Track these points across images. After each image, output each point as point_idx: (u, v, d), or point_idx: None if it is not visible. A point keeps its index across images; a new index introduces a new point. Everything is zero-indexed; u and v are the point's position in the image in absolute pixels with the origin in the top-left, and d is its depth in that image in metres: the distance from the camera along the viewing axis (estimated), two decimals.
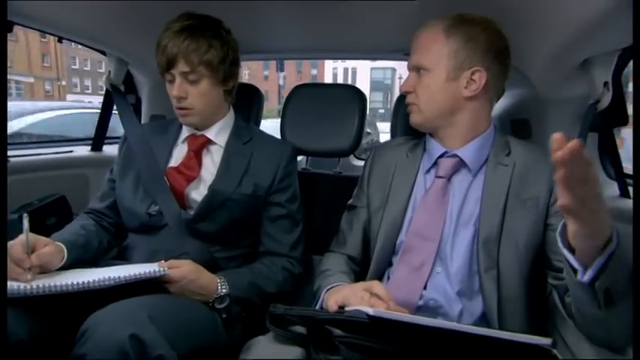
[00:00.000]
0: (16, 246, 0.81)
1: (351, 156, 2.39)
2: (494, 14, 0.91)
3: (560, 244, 0.65)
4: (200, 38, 0.99)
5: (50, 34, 1.32)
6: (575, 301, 0.72)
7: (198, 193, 1.05)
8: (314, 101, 1.36)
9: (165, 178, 1.05)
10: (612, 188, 1.14)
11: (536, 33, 1.02)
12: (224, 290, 0.95)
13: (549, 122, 1.22)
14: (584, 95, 1.08)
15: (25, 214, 0.83)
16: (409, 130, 1.08)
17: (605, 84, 1.01)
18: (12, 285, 0.76)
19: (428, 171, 0.95)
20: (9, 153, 1.38)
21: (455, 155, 0.92)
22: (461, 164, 0.91)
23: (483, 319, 0.84)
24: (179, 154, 1.10)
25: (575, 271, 0.65)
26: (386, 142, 1.13)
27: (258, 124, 1.44)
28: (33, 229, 0.84)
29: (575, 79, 1.08)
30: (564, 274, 0.70)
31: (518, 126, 1.33)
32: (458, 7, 0.92)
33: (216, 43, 1.02)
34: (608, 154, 1.17)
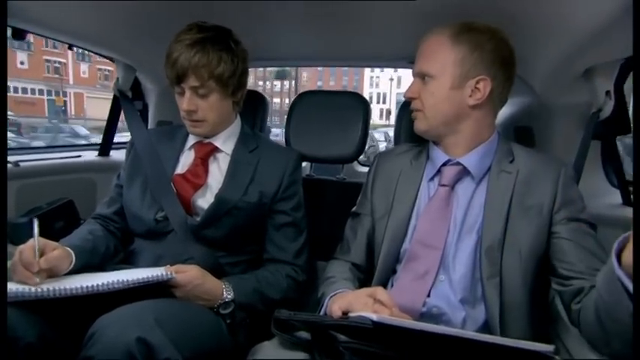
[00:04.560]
0: (26, 250, 0.82)
1: (355, 162, 2.40)
2: (498, 23, 0.92)
3: (616, 268, 0.60)
4: (210, 52, 0.99)
5: (60, 40, 1.35)
6: (611, 322, 0.67)
7: (204, 200, 1.06)
8: (318, 108, 1.37)
9: (171, 184, 1.06)
10: (615, 197, 1.14)
11: (540, 41, 1.03)
12: (229, 296, 0.96)
13: (552, 130, 1.23)
14: (587, 103, 1.09)
15: (35, 219, 0.84)
16: (412, 137, 1.09)
17: (607, 93, 1.02)
18: (21, 288, 0.77)
19: (431, 179, 0.95)
20: (19, 158, 1.40)
21: (458, 163, 0.92)
22: (464, 172, 0.91)
23: (486, 327, 0.84)
24: (186, 160, 1.11)
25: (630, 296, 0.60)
26: (390, 150, 1.13)
27: (262, 130, 1.45)
28: (41, 233, 0.85)
29: (578, 88, 1.09)
30: (604, 294, 0.66)
31: (522, 133, 1.33)
32: (462, 16, 0.92)
33: (227, 57, 1.01)
34: (611, 162, 1.18)
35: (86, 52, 1.51)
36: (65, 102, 29.42)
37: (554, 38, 0.99)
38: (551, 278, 0.84)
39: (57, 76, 30.30)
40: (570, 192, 0.87)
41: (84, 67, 32.04)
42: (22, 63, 28.82)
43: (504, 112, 1.48)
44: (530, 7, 0.96)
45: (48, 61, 30.46)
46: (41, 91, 29.57)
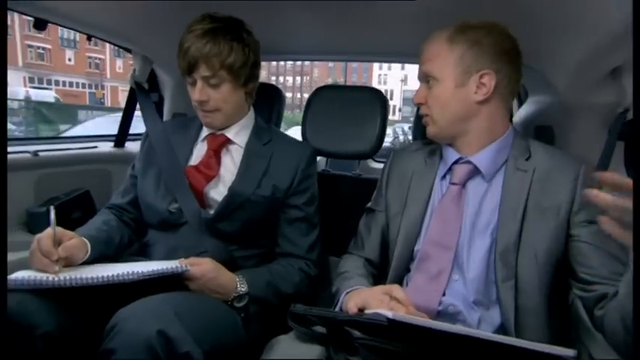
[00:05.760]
0: (44, 238, 0.83)
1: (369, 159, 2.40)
2: (523, 20, 0.90)
3: None
4: (222, 42, 0.99)
5: (79, 31, 1.36)
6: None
7: (217, 192, 1.06)
8: (336, 103, 1.36)
9: (185, 176, 1.06)
10: None
11: (566, 39, 1.01)
12: (243, 289, 0.96)
13: (574, 130, 1.20)
14: (610, 103, 1.06)
15: (52, 207, 0.85)
16: None
17: None
18: (40, 276, 0.78)
19: (444, 177, 0.95)
20: (37, 147, 1.42)
21: (469, 162, 0.91)
22: (475, 171, 0.90)
23: (502, 330, 0.83)
24: (199, 152, 1.11)
25: None
26: (404, 147, 1.12)
27: (278, 124, 1.45)
28: (59, 222, 0.86)
29: (603, 87, 1.06)
30: (627, 303, 0.65)
31: (542, 133, 1.31)
32: (479, 13, 0.90)
33: (238, 47, 1.01)
34: (634, 163, 1.14)
35: (121, 48, 1.54)
36: (103, 95, 33.40)
37: (582, 36, 0.96)
38: (572, 283, 0.83)
39: (97, 71, 34.70)
40: None
41: (119, 62, 36.08)
42: (69, 60, 33.56)
43: (525, 111, 1.46)
44: (556, 3, 0.94)
45: (90, 57, 34.95)
46: (84, 85, 34.31)
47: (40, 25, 1.17)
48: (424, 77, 0.93)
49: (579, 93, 1.13)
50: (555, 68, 1.12)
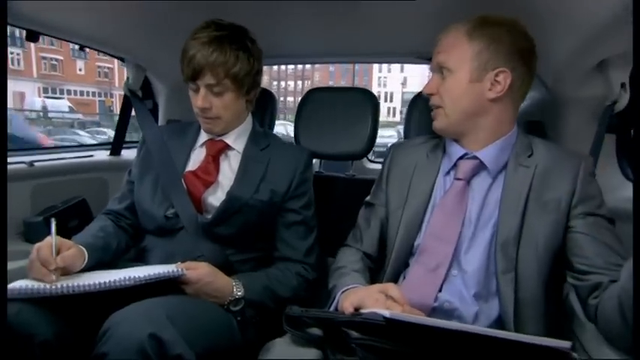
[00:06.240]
0: (43, 248, 0.83)
1: (364, 159, 2.40)
2: (513, 16, 0.91)
3: None
4: (228, 51, 0.99)
5: (72, 42, 1.37)
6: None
7: (215, 197, 1.06)
8: (327, 105, 1.37)
9: (182, 181, 1.07)
10: (630, 190, 1.12)
11: (553, 34, 1.02)
12: (239, 293, 0.96)
13: (564, 123, 1.21)
14: (599, 96, 1.07)
15: (53, 218, 0.86)
16: (421, 133, 1.08)
17: (623, 85, 1.00)
18: (38, 285, 0.79)
19: (448, 173, 0.94)
20: (34, 158, 1.43)
21: (475, 157, 0.90)
22: (481, 166, 0.90)
23: (499, 322, 0.83)
24: (197, 157, 1.11)
25: None
26: (406, 141, 1.11)
27: (271, 128, 1.45)
28: (57, 231, 0.86)
29: (591, 80, 1.07)
30: (628, 286, 0.64)
31: (533, 127, 1.31)
32: (474, 10, 0.91)
33: (243, 56, 1.01)
34: (626, 155, 1.15)
35: (114, 57, 1.55)
36: (112, 102, 34.56)
37: (568, 30, 0.97)
38: (568, 273, 0.83)
39: (106, 79, 36.34)
40: (589, 187, 0.85)
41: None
42: (80, 70, 35.31)
43: None
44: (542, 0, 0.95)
45: (99, 67, 36.48)
46: (94, 93, 36.02)
47: (31, 36, 1.18)
48: (438, 68, 0.92)
49: (568, 87, 1.14)
50: (544, 63, 1.12)
